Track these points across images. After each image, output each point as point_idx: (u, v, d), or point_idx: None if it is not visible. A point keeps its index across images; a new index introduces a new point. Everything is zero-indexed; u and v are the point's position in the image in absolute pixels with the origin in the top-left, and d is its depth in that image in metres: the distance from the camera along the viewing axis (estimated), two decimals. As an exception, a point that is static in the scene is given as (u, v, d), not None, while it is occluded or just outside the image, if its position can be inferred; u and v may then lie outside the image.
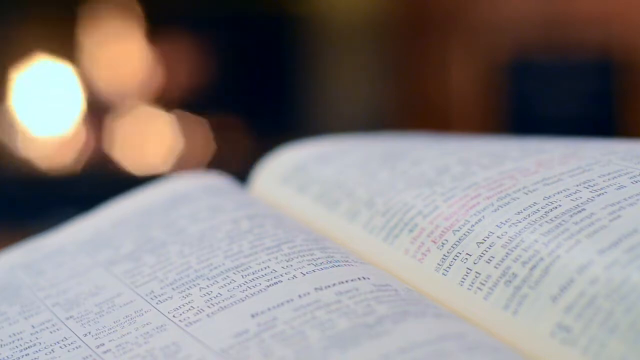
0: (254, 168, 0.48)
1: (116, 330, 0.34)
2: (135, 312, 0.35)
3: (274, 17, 1.79)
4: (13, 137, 1.69)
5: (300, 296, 0.33)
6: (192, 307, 0.34)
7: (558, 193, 0.35)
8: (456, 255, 0.35)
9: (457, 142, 0.44)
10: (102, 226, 0.43)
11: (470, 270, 0.34)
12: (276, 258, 0.36)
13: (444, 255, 0.35)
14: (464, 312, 0.33)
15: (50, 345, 0.35)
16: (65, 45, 1.71)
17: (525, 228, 0.34)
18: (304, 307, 0.32)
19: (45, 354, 0.34)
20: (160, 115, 1.73)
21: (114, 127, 1.71)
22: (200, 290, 0.35)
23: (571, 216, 0.33)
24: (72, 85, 1.71)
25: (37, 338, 0.35)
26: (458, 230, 0.35)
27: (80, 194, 1.58)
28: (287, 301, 0.33)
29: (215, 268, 0.36)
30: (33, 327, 0.36)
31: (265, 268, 0.35)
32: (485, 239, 0.34)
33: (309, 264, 0.35)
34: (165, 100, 1.74)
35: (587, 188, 0.35)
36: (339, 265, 0.35)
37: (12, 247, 0.44)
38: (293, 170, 0.45)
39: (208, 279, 0.36)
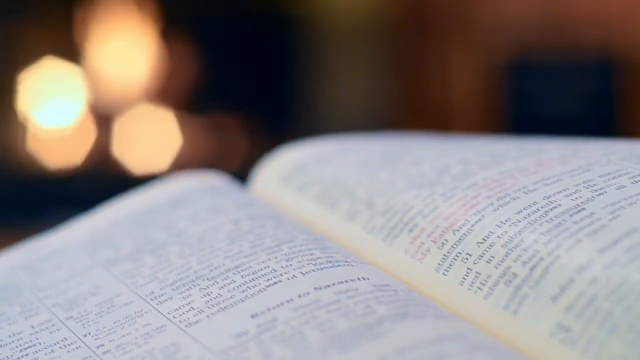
0: (254, 168, 0.48)
1: (116, 331, 0.34)
2: (135, 312, 0.35)
3: (274, 17, 1.79)
4: (13, 138, 1.69)
5: (300, 296, 0.33)
6: (192, 307, 0.34)
7: (558, 193, 0.35)
8: (456, 255, 0.34)
9: (457, 142, 0.44)
10: (102, 226, 0.43)
11: (471, 270, 0.34)
12: (276, 258, 0.36)
13: (444, 255, 0.35)
14: (464, 312, 0.33)
15: (50, 345, 0.35)
16: (66, 45, 1.71)
17: (525, 228, 0.34)
18: (304, 307, 0.32)
19: (45, 354, 0.34)
20: (161, 115, 1.73)
21: (115, 126, 1.71)
22: (200, 291, 0.35)
23: (571, 216, 0.33)
24: (72, 85, 1.70)
25: (37, 338, 0.35)
26: (458, 230, 0.35)
27: (80, 194, 1.58)
28: (287, 301, 0.33)
29: (216, 269, 0.36)
30: (33, 327, 0.36)
31: (265, 268, 0.35)
32: (485, 238, 0.34)
33: (308, 264, 0.35)
34: (166, 99, 1.74)
35: (587, 188, 0.35)
36: (338, 265, 0.35)
37: (12, 247, 0.43)
38: (293, 170, 0.45)
39: (208, 279, 0.36)
